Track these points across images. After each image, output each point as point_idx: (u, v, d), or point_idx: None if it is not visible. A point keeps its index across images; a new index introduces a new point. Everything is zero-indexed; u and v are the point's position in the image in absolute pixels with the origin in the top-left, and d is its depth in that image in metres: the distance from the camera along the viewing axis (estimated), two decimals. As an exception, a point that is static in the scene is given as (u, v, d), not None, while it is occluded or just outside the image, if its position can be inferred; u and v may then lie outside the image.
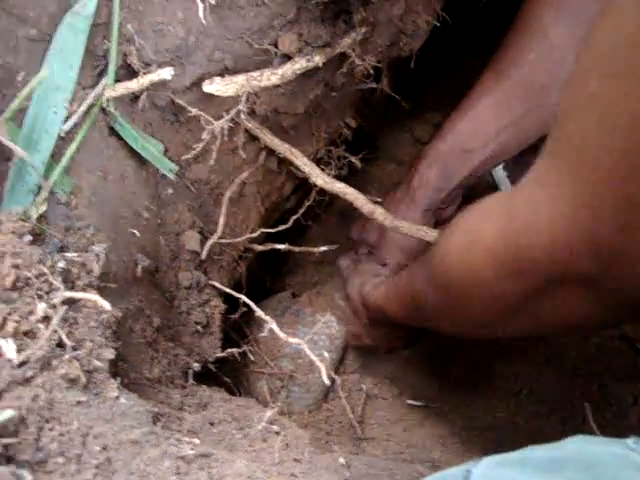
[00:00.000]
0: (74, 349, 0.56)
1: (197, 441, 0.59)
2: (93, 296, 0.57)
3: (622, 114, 0.39)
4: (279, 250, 1.00)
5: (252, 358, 0.98)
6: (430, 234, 0.79)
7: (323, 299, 1.06)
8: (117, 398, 0.56)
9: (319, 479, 0.67)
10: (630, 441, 0.42)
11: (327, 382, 0.79)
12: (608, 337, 0.91)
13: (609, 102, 0.40)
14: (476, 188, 1.03)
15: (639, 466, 0.39)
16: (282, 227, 0.91)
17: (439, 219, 1.04)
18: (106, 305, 0.57)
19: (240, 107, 0.74)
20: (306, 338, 1.01)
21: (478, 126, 0.93)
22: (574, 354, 0.90)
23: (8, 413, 0.43)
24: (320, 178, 0.80)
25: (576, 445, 0.43)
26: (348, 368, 1.10)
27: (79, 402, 0.52)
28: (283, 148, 0.80)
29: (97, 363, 0.57)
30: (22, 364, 0.51)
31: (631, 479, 0.38)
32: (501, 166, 1.10)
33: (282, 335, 0.82)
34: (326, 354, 1.00)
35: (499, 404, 0.91)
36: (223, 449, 0.67)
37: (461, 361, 0.96)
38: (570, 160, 0.45)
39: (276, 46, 0.78)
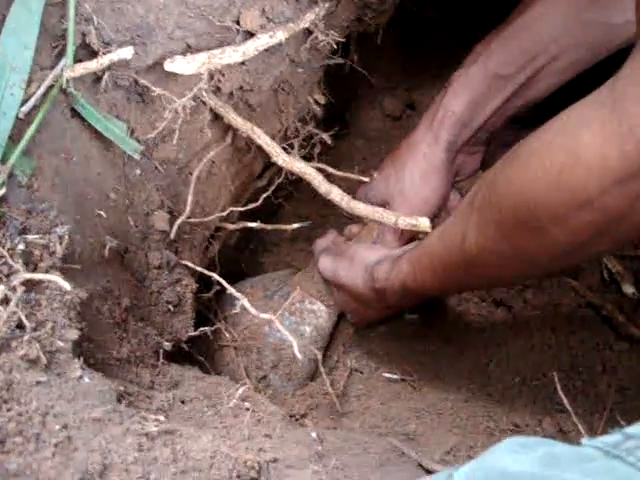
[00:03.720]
0: (35, 330, 0.56)
1: (162, 418, 0.59)
2: (53, 277, 0.57)
3: None
4: (255, 229, 1.00)
5: (227, 336, 0.98)
6: (386, 216, 0.78)
7: (312, 283, 1.02)
8: (80, 378, 0.57)
9: (288, 453, 0.67)
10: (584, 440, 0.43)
11: (299, 357, 0.80)
12: (575, 306, 0.92)
13: None
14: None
15: (591, 456, 0.41)
16: (252, 206, 0.91)
17: (459, 171, 0.97)
18: (66, 286, 0.57)
19: (201, 85, 0.74)
20: (286, 322, 1.00)
21: (515, 48, 0.85)
22: (541, 325, 0.90)
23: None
24: (280, 158, 0.80)
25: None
26: (335, 344, 1.09)
27: (39, 382, 0.52)
28: (245, 127, 0.80)
29: (60, 344, 0.58)
30: (-21, 346, 0.51)
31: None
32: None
33: (253, 311, 0.83)
34: (316, 351, 0.98)
35: (471, 376, 0.92)
36: (193, 426, 0.68)
37: (432, 335, 0.97)
38: None
39: (238, 23, 0.77)
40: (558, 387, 0.78)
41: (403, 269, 0.83)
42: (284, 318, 1.00)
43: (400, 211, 0.92)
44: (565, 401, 0.77)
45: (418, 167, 0.94)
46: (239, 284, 1.05)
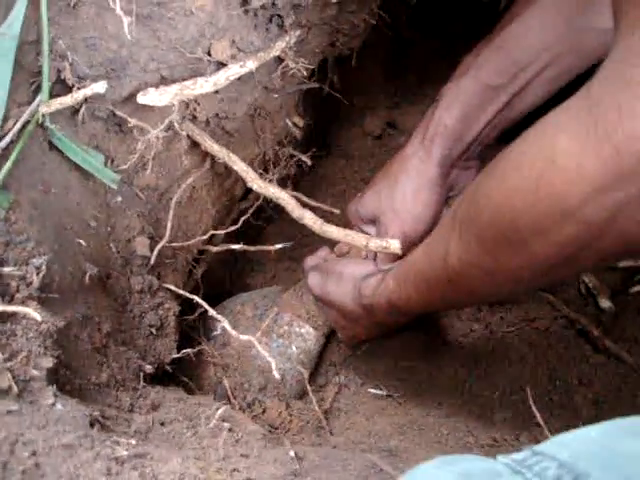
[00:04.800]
0: (8, 360, 0.58)
1: (134, 442, 0.61)
2: (25, 309, 0.60)
3: None
4: (240, 250, 1.01)
5: (212, 357, 1.00)
6: (357, 239, 0.79)
7: (301, 303, 1.02)
8: (53, 405, 0.59)
9: (263, 472, 0.69)
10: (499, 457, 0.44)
11: (277, 377, 0.82)
12: (552, 320, 0.93)
13: None
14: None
15: (499, 473, 0.42)
16: (232, 228, 0.93)
17: (453, 186, 0.94)
18: (37, 317, 0.59)
19: (173, 116, 0.76)
20: (274, 345, 1.01)
21: (505, 57, 0.84)
22: (518, 340, 0.92)
23: None
24: (255, 183, 0.82)
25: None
26: (325, 363, 1.10)
27: (10, 411, 0.54)
28: (221, 153, 0.82)
29: (34, 372, 0.60)
30: (-48, 378, 0.53)
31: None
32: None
33: (234, 333, 0.85)
34: (302, 370, 0.99)
35: (452, 392, 0.93)
36: (171, 448, 0.69)
37: (412, 352, 0.98)
38: None
39: (209, 54, 0.80)
40: (531, 402, 0.80)
41: (389, 285, 0.83)
42: (272, 341, 1.01)
43: (391, 227, 0.93)
44: (538, 416, 0.78)
45: (410, 182, 0.92)
46: (230, 300, 1.07)
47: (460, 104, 0.87)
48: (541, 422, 0.77)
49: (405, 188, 0.92)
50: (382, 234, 0.94)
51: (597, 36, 0.79)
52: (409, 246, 0.89)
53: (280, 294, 1.06)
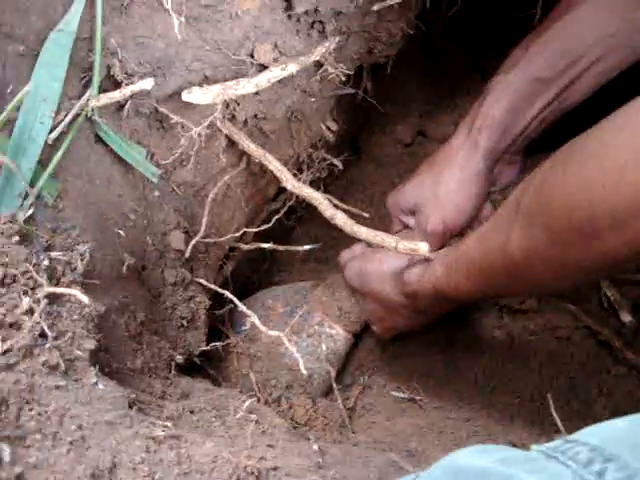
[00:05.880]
0: (56, 339, 0.61)
1: (170, 424, 0.63)
2: (73, 291, 0.62)
3: None
4: (268, 250, 1.04)
5: (240, 351, 1.02)
6: (387, 240, 0.81)
7: (333, 300, 1.03)
8: (95, 384, 0.61)
9: (288, 462, 0.71)
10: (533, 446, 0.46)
11: (305, 372, 0.83)
12: (573, 330, 0.94)
13: None
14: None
15: (534, 458, 0.45)
16: (264, 227, 0.96)
17: (496, 181, 0.93)
18: (85, 299, 0.62)
19: (216, 114, 0.79)
20: (304, 344, 1.03)
21: (556, 50, 0.83)
22: (539, 348, 0.93)
23: None
24: (290, 183, 0.84)
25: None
26: (352, 364, 1.11)
27: (58, 386, 0.57)
28: (258, 153, 0.85)
29: (78, 352, 0.62)
30: (5, 352, 0.56)
31: None
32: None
33: (262, 328, 0.87)
34: (330, 368, 1.01)
35: (472, 397, 0.95)
36: (199, 434, 0.72)
37: (435, 356, 1.00)
38: None
39: (252, 56, 0.83)
40: (552, 408, 0.81)
41: (436, 272, 0.83)
42: (301, 339, 1.02)
43: (432, 216, 0.91)
44: (558, 421, 0.80)
45: (455, 174, 0.91)
46: (262, 293, 1.09)
47: (508, 97, 0.87)
48: (562, 428, 0.79)
49: (449, 179, 0.91)
50: (422, 223, 0.93)
51: None
52: (448, 236, 0.91)
53: (312, 290, 1.06)
